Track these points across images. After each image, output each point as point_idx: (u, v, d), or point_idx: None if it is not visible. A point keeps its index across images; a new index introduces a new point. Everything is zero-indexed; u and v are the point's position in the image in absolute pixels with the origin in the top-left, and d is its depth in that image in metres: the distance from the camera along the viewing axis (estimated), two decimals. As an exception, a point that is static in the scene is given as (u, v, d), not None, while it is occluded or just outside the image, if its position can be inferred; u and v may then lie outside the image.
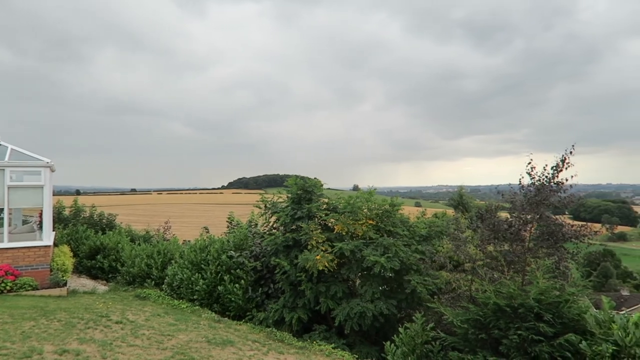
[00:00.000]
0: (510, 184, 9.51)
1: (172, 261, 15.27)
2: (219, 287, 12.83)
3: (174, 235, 22.23)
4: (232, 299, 12.44)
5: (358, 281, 11.41)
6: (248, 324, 11.33)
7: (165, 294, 13.94)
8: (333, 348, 9.29)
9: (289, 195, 12.90)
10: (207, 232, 19.65)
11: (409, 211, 14.55)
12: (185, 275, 13.56)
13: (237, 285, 12.53)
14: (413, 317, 8.59)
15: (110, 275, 17.18)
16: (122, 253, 17.24)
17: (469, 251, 9.32)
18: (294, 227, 12.14)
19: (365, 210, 11.91)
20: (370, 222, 11.59)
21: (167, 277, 14.44)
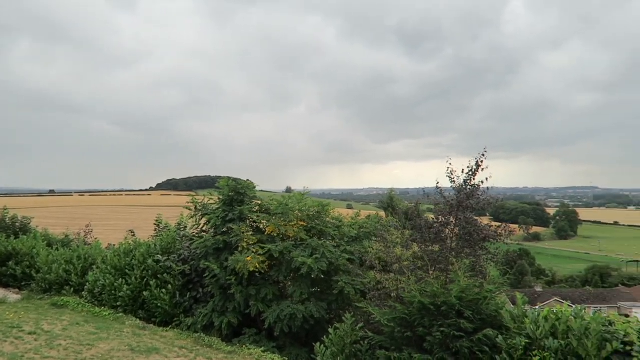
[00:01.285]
0: (437, 186, 9.90)
1: (94, 266, 14.48)
2: (144, 293, 12.33)
3: (96, 239, 21.10)
4: (159, 304, 12.00)
5: (289, 283, 11.40)
6: (175, 330, 10.98)
7: (86, 301, 13.20)
8: (263, 351, 9.22)
9: (221, 196, 12.65)
10: (133, 235, 18.82)
11: (341, 213, 14.76)
12: (108, 281, 12.91)
13: (164, 290, 12.11)
14: (343, 318, 8.73)
15: (23, 283, 16.00)
16: (37, 259, 16.10)
17: (396, 252, 9.59)
18: (225, 229, 11.92)
19: (297, 212, 11.94)
20: (302, 223, 11.64)
21: (87, 284, 13.68)
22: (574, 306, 7.01)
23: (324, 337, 8.65)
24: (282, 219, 11.46)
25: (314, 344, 8.71)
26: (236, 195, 12.30)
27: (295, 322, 10.24)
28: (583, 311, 6.73)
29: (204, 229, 12.98)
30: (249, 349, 9.33)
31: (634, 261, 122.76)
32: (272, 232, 11.39)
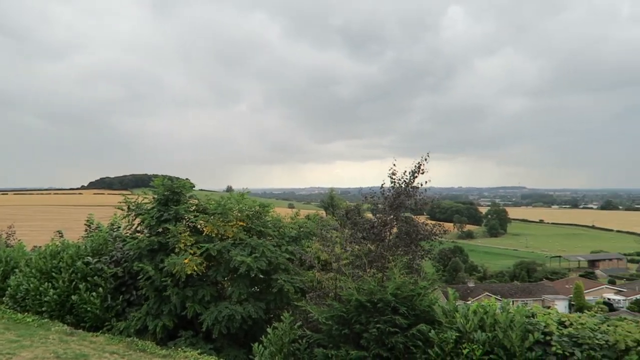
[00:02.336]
0: (382, 186, 10.11)
1: (16, 270, 13.57)
2: (72, 297, 11.70)
3: (19, 240, 19.78)
4: (89, 308, 11.43)
5: (227, 283, 11.22)
6: (106, 335, 10.50)
7: (7, 307, 12.35)
8: (199, 354, 9.02)
9: (155, 196, 12.23)
10: (61, 236, 17.81)
11: (283, 212, 14.72)
12: (32, 285, 12.14)
13: (94, 293, 11.54)
14: (281, 317, 8.72)
15: None
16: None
17: (335, 251, 9.70)
18: (160, 229, 11.54)
19: (236, 212, 11.77)
20: (241, 223, 11.49)
21: (9, 289, 12.80)
22: (502, 300, 7.39)
23: (263, 337, 8.60)
24: (220, 219, 11.26)
25: (252, 344, 8.64)
26: (172, 195, 11.95)
27: (234, 323, 10.10)
28: (509, 305, 7.12)
29: (138, 229, 12.50)
30: (184, 351, 9.10)
31: (557, 257, 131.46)
32: (210, 232, 11.16)
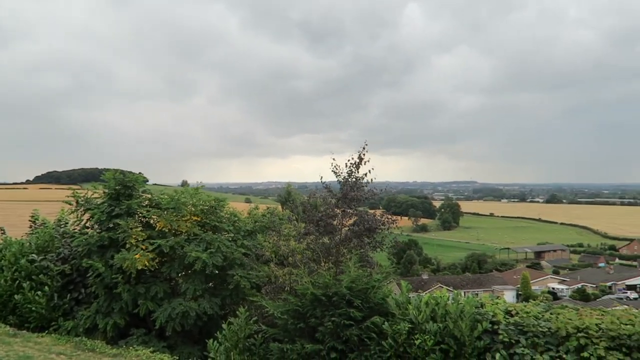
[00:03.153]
0: (321, 179, 10.18)
1: (-46, 269, 12.80)
2: (16, 296, 11.18)
3: (-44, 238, 18.65)
4: (33, 308, 10.95)
5: (181, 280, 11.01)
6: (53, 335, 10.08)
7: (-57, 308, 11.64)
8: (151, 352, 8.81)
9: (106, 190, 11.83)
10: (3, 233, 16.94)
11: (239, 207, 14.56)
12: (-29, 285, 11.50)
13: (39, 292, 11.06)
14: (237, 313, 8.65)
15: None
16: None
17: (290, 245, 9.71)
18: (110, 225, 11.17)
19: (190, 207, 11.55)
20: (195, 218, 11.30)
21: (-55, 289, 12.06)
22: (453, 291, 7.62)
23: (218, 333, 8.51)
24: (174, 214, 11.01)
25: (207, 340, 8.53)
26: (123, 189, 11.58)
27: (188, 320, 9.93)
28: (459, 296, 7.35)
29: (87, 225, 12.06)
30: (136, 350, 8.87)
31: (506, 249, 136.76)
32: (163, 227, 10.90)
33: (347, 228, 9.87)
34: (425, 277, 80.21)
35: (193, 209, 11.48)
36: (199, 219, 11.38)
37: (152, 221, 11.61)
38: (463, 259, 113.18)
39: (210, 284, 11.04)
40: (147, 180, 12.55)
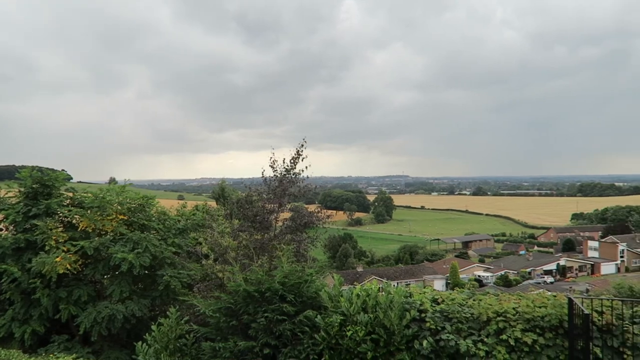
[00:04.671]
0: (262, 174, 10.09)
1: None
2: None
3: None
4: (-62, 318, 10.04)
5: (107, 282, 10.52)
6: (-38, 346, 9.30)
7: None
8: (74, 358, 8.36)
9: (22, 189, 11.05)
10: None
11: (173, 205, 14.11)
12: None
13: (-55, 301, 10.17)
14: (167, 313, 8.39)
15: None
16: None
17: (223, 242, 9.55)
18: (27, 226, 10.47)
19: (116, 205, 11.05)
20: (122, 217, 10.83)
21: None
22: (384, 282, 7.83)
23: (147, 334, 8.21)
24: (98, 213, 10.49)
25: (135, 344, 8.21)
26: (42, 188, 10.88)
27: (115, 323, 9.52)
28: (389, 286, 7.56)
29: (0, 227, 11.21)
30: (57, 357, 8.38)
31: (436, 239, 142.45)
32: (86, 227, 10.36)
33: (282, 224, 9.86)
34: (360, 269, 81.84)
35: (119, 208, 10.99)
36: (125, 218, 10.92)
37: (74, 221, 10.99)
38: (396, 250, 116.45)
39: (139, 285, 10.65)
40: (70, 178, 11.89)
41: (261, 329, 7.24)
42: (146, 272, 10.18)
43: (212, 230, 10.49)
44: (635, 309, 6.64)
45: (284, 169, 9.38)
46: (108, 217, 10.56)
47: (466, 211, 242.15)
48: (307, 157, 9.38)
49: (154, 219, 11.55)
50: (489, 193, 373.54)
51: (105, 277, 10.55)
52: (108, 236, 10.39)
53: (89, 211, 10.57)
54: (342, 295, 7.47)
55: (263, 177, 9.71)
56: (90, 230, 10.37)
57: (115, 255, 9.59)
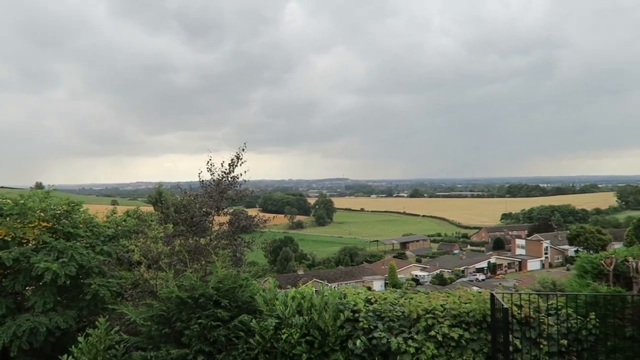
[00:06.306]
0: (199, 176, 9.91)
1: None
2: None
3: None
4: None
5: (29, 293, 9.90)
6: None
7: None
8: (-9, 377, 7.82)
9: None
10: None
11: (104, 210, 13.49)
12: None
13: None
14: (96, 323, 8.05)
15: None
16: None
17: (157, 247, 9.29)
18: None
19: (39, 212, 10.42)
20: (45, 224, 10.22)
21: None
22: (321, 284, 7.92)
23: (73, 347, 7.82)
24: (18, 220, 9.85)
25: (60, 357, 7.79)
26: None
27: (38, 337, 8.97)
28: (324, 288, 7.66)
29: None
30: (-29, 377, 7.80)
31: (375, 241, 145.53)
32: (5, 236, 9.69)
33: (218, 228, 9.73)
34: (301, 272, 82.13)
35: (42, 214, 10.38)
36: (49, 225, 10.32)
37: (-9, 229, 10.27)
38: (336, 253, 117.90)
39: (65, 296, 10.11)
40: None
41: (195, 336, 7.11)
42: (73, 281, 9.66)
43: (144, 236, 10.15)
44: (550, 301, 7.14)
45: (222, 172, 9.28)
46: (29, 225, 9.93)
47: (404, 213, 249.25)
48: (246, 161, 9.34)
49: (81, 225, 10.98)
50: (425, 195, 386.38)
51: (28, 288, 9.93)
52: (30, 245, 9.78)
53: (7, 219, 9.90)
54: (277, 299, 7.49)
55: (200, 180, 9.55)
56: (10, 239, 9.71)
57: (38, 265, 9.03)
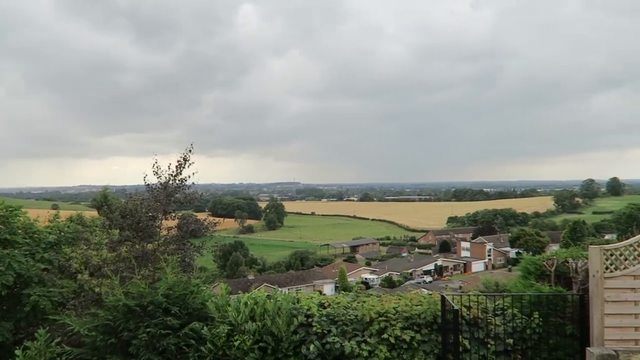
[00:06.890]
0: (144, 179, 9.61)
1: None
2: None
3: None
4: None
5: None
6: None
7: None
8: None
9: None
10: None
11: (44, 214, 12.76)
12: None
13: None
14: (35, 335, 7.62)
15: None
16: None
17: (99, 255, 8.91)
18: None
19: (-29, 217, 9.76)
20: (-21, 230, 9.59)
21: None
22: (273, 289, 7.85)
23: (10, 361, 7.37)
24: (-53, 227, 9.19)
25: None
26: None
27: (-31, 351, 8.40)
28: (277, 293, 7.61)
29: None
30: None
31: (325, 245, 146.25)
32: None
33: (167, 232, 9.46)
34: (251, 277, 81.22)
35: (-25, 220, 9.73)
36: (-17, 231, 9.69)
37: None
38: (287, 257, 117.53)
39: (1, 307, 9.50)
40: None
41: (143, 346, 6.88)
42: (9, 291, 9.10)
43: (86, 242, 9.73)
44: (497, 302, 7.43)
45: (169, 175, 9.03)
46: (-40, 232, 9.29)
47: (354, 217, 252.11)
48: (194, 162, 9.14)
49: (19, 231, 10.36)
50: (375, 199, 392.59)
51: (-42, 299, 9.27)
52: (-38, 253, 9.13)
53: None
54: (229, 305, 7.37)
55: (146, 183, 9.25)
56: (-63, 248, 9.04)
57: (-30, 274, 8.46)
